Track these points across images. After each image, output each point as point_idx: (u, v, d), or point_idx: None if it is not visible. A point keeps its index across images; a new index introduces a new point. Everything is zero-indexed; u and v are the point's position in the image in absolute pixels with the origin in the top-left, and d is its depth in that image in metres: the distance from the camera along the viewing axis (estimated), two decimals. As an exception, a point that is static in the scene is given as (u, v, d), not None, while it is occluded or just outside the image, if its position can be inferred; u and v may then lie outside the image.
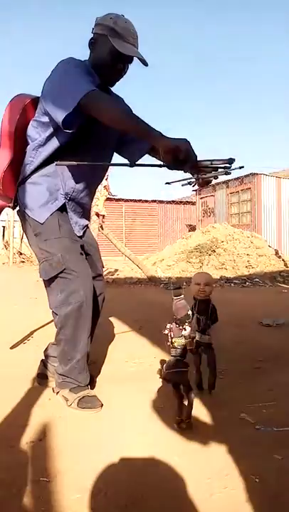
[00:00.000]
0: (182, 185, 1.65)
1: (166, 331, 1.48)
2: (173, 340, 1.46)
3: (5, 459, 1.32)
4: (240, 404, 1.74)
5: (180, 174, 1.63)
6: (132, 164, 1.63)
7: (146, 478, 1.22)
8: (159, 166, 1.58)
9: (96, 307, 1.90)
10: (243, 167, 1.58)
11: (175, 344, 1.46)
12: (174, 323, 1.46)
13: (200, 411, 1.67)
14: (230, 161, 1.48)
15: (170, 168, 1.53)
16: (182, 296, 1.47)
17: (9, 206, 1.91)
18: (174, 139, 1.42)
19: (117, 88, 1.87)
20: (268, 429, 1.51)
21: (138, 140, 1.86)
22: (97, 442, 1.44)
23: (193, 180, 1.61)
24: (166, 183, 1.69)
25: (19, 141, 1.80)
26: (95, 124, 1.60)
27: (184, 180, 1.64)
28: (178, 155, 1.40)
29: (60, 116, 1.52)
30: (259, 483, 1.17)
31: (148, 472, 1.25)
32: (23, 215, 1.84)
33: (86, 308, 1.72)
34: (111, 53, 1.66)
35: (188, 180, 1.63)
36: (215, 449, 1.38)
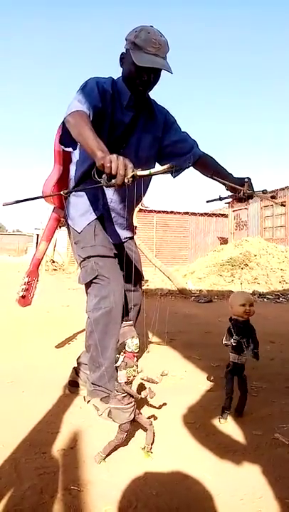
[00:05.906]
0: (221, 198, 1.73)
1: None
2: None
3: (37, 464, 1.33)
4: (274, 423, 1.68)
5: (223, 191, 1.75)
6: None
7: (176, 494, 1.20)
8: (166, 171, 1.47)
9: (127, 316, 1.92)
10: (277, 201, 1.60)
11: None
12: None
13: (233, 429, 1.63)
14: (170, 167, 1.40)
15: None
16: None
17: (64, 218, 2.04)
18: (102, 157, 1.34)
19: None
20: (303, 451, 1.45)
21: (180, 156, 1.93)
22: (126, 454, 1.43)
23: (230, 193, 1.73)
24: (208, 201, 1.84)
25: (67, 158, 1.96)
26: (121, 144, 1.76)
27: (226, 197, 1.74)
28: (106, 171, 1.33)
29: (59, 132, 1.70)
30: (294, 509, 1.13)
31: (179, 489, 1.23)
32: (67, 226, 1.95)
33: (115, 314, 1.75)
34: (133, 66, 1.67)
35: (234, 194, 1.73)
36: (248, 468, 1.34)
